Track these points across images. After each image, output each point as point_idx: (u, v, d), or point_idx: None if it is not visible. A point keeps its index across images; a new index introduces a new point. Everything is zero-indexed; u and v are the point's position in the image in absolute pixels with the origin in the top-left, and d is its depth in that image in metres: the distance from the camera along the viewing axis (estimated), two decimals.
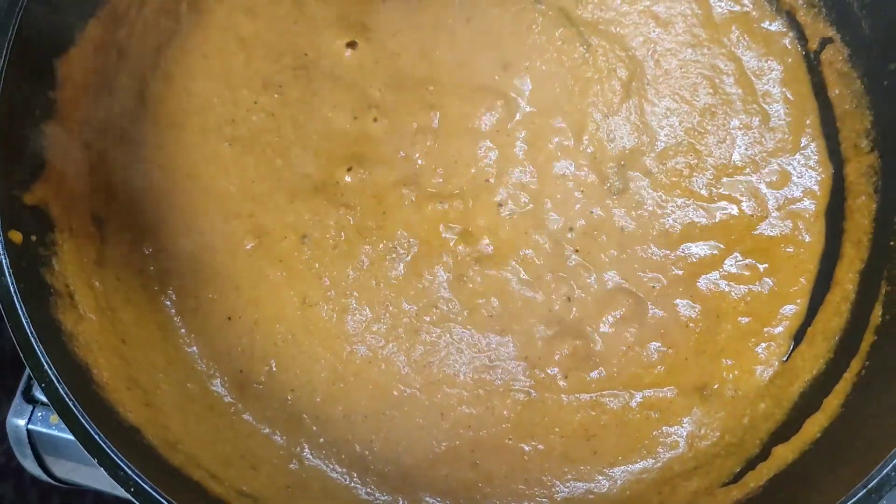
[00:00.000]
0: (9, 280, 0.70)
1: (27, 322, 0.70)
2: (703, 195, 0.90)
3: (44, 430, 0.98)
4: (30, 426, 0.98)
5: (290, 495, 0.82)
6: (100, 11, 0.85)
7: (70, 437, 0.68)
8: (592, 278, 0.88)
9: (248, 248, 0.90)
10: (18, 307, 0.70)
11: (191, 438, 0.79)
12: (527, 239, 0.89)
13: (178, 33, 0.92)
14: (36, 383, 0.83)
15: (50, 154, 0.81)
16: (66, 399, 0.68)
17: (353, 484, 0.84)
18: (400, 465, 0.84)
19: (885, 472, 0.65)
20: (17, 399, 1.00)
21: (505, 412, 0.85)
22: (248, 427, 0.85)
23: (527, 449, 0.84)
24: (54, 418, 0.98)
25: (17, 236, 0.74)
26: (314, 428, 0.85)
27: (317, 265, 0.90)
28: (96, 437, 0.67)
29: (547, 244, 0.89)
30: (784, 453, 0.77)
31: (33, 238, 0.77)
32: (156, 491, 0.67)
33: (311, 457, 0.85)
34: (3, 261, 0.71)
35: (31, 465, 1.00)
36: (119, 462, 0.67)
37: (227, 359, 0.88)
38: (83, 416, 0.68)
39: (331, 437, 0.85)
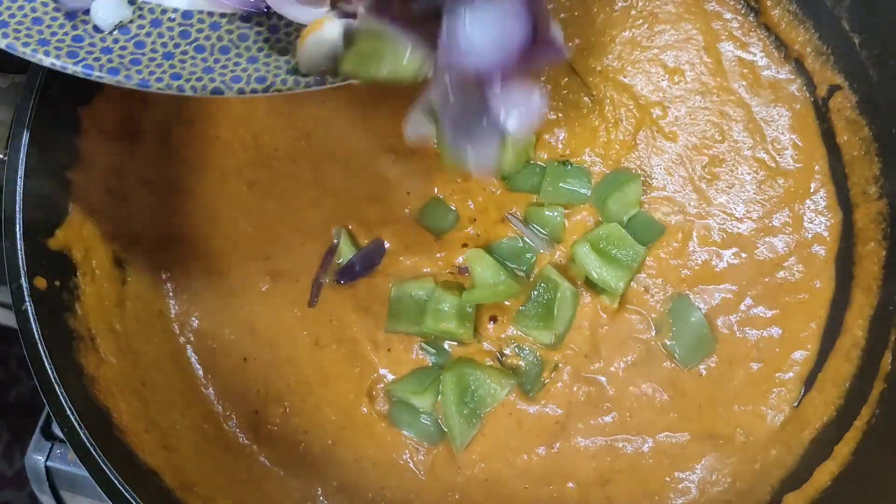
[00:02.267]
0: (34, 328, 0.72)
1: (51, 368, 0.71)
2: (715, 241, 0.90)
3: (62, 466, 0.99)
4: (48, 463, 0.99)
5: None
6: None
7: (87, 473, 0.70)
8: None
9: (263, 289, 0.91)
10: (43, 354, 0.71)
11: (207, 481, 0.80)
12: None
13: None
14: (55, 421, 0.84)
15: (73, 200, 0.83)
16: (88, 445, 0.70)
17: None
18: None
19: None
20: (37, 436, 1.00)
21: (524, 457, 0.85)
22: (263, 469, 0.86)
23: (542, 497, 0.84)
24: (72, 455, 0.99)
25: (41, 283, 0.76)
26: (327, 471, 0.86)
27: (329, 306, 0.91)
28: (116, 482, 0.69)
29: None
30: (795, 502, 0.78)
31: (57, 283, 0.78)
32: None
33: (324, 500, 0.85)
34: (29, 308, 0.73)
35: (48, 502, 1.01)
36: None
37: (243, 400, 0.89)
38: (104, 462, 0.69)
39: (343, 481, 0.86)
